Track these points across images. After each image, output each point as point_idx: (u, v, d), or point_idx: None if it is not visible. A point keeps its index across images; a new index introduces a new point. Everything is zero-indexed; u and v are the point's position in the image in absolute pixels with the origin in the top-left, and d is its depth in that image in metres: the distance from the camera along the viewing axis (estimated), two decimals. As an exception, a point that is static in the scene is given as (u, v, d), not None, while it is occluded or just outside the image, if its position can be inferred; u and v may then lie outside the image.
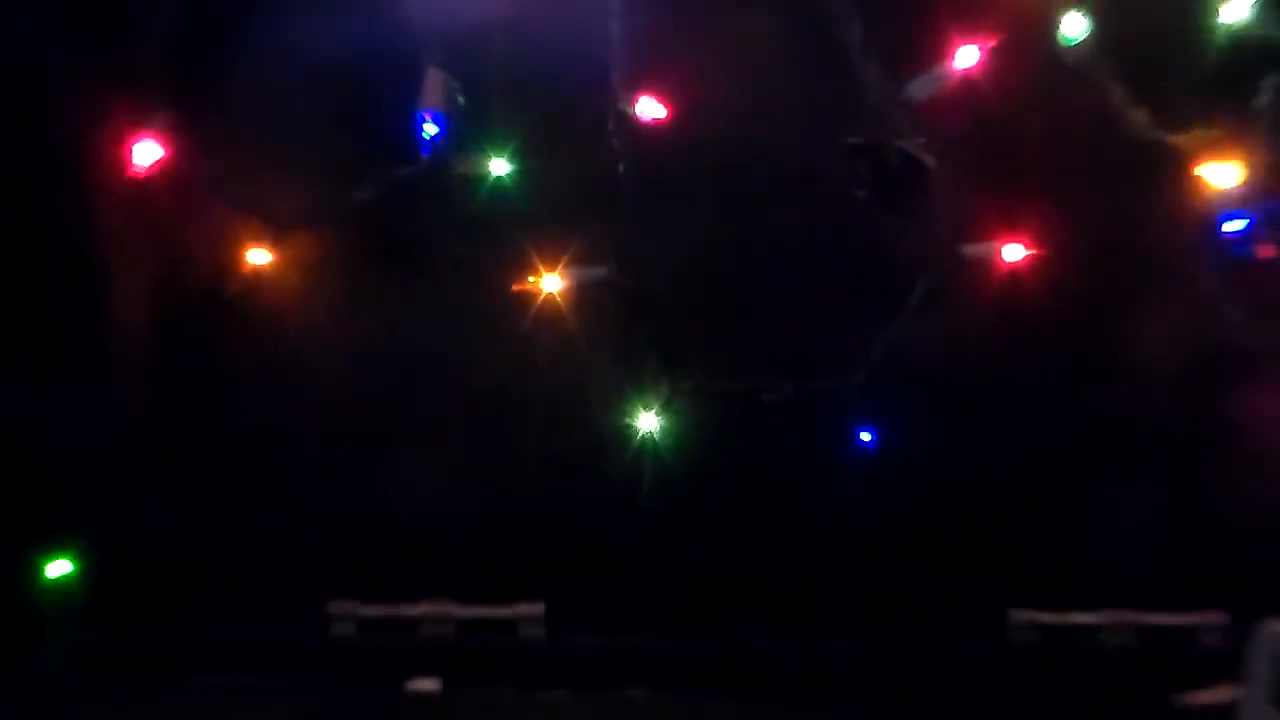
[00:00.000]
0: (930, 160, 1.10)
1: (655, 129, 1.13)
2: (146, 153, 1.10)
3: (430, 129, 1.11)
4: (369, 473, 1.16)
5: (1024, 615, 1.13)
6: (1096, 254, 1.13)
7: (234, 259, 1.13)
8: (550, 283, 1.11)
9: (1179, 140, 1.09)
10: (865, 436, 1.14)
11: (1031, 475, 1.16)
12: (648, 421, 1.13)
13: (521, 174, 1.13)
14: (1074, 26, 1.08)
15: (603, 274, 1.12)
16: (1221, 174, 1.07)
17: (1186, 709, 1.00)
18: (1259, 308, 1.11)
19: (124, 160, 1.10)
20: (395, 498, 1.16)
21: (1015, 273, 1.10)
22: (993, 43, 1.09)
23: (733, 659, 1.09)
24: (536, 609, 1.13)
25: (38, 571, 1.14)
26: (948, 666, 1.10)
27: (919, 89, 1.10)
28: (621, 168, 1.13)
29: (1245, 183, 1.08)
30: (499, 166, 1.12)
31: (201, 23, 1.15)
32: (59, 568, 1.14)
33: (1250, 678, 0.89)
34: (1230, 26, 1.08)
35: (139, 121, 1.11)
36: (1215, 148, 1.09)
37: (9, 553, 1.12)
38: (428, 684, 1.06)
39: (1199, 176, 1.08)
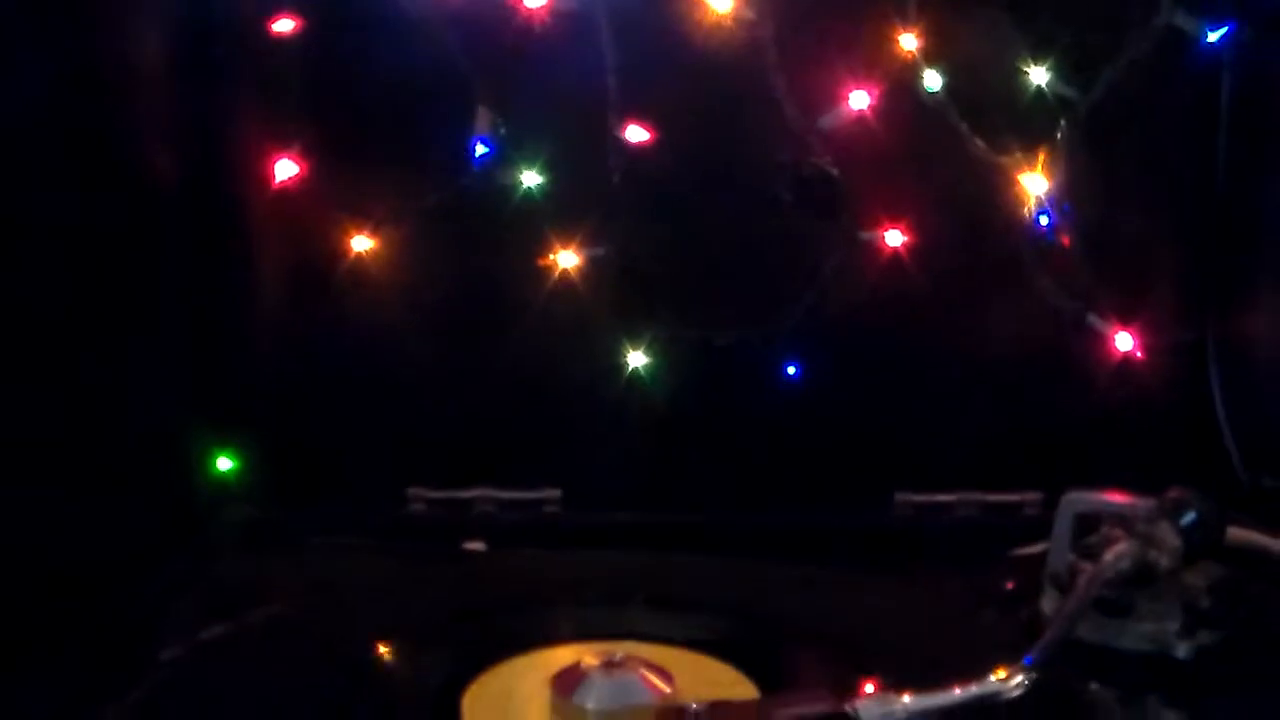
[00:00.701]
0: (835, 172, 1.41)
1: (642, 147, 1.43)
2: (285, 169, 1.41)
3: (481, 149, 1.42)
4: (437, 394, 1.46)
5: (904, 495, 1.44)
6: (954, 239, 1.45)
7: (344, 247, 1.44)
8: (565, 259, 1.41)
9: (1006, 160, 1.42)
10: (791, 370, 1.45)
11: (912, 396, 1.46)
12: (636, 358, 1.44)
13: (546, 183, 1.44)
14: (933, 80, 1.40)
15: (603, 252, 1.42)
16: (1035, 183, 1.40)
17: (1014, 558, 1.18)
18: (1060, 275, 1.45)
19: (269, 175, 1.41)
20: (453, 415, 1.46)
21: (897, 253, 1.43)
22: (877, 90, 1.39)
23: (704, 528, 1.37)
24: (555, 493, 1.41)
25: (209, 466, 1.43)
26: (849, 532, 1.38)
27: (827, 122, 1.41)
28: (616, 178, 1.43)
29: (1049, 190, 1.42)
30: (530, 178, 1.43)
31: (318, 65, 1.44)
32: (224, 463, 1.43)
33: (1055, 532, 1.04)
34: (1038, 84, 1.43)
35: (280, 145, 1.41)
36: (1030, 165, 1.42)
37: (188, 454, 1.43)
38: (476, 544, 1.30)
39: (1021, 184, 1.41)
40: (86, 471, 1.25)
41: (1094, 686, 0.85)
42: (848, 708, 0.70)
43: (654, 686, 0.78)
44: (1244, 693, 0.90)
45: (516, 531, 1.42)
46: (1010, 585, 1.05)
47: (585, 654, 0.81)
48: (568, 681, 0.79)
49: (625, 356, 1.50)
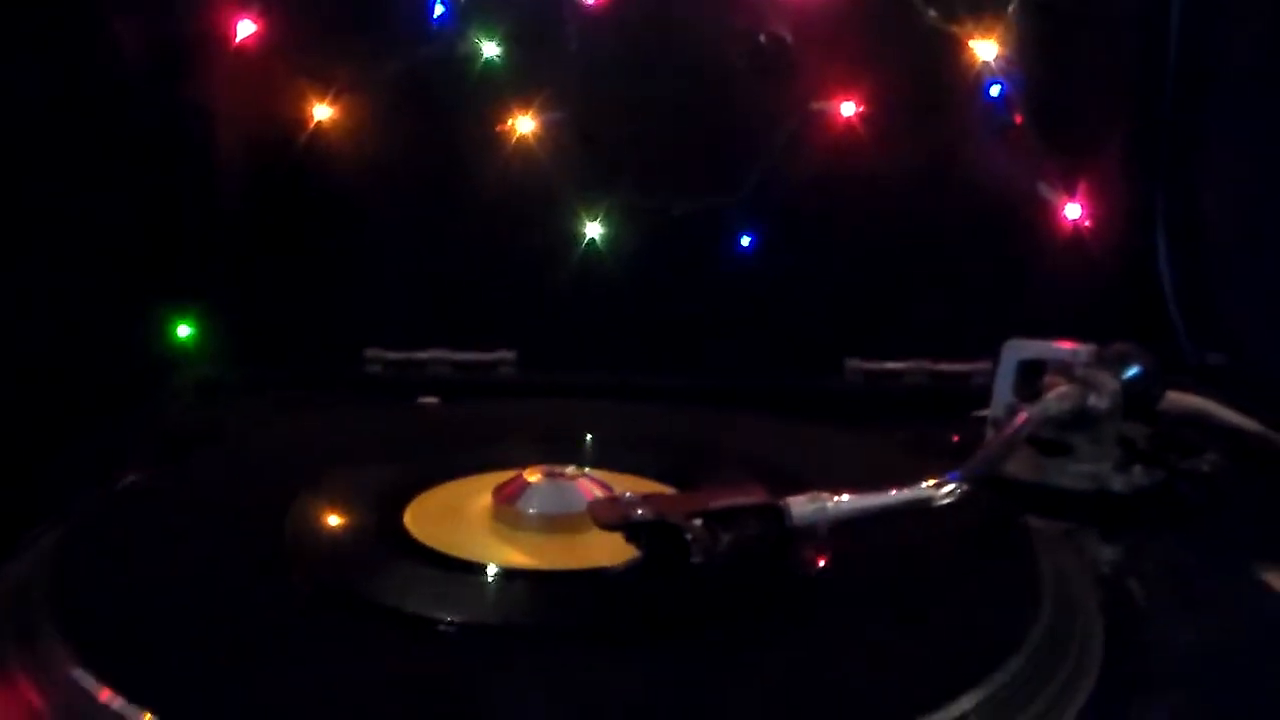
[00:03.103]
0: (789, 39, 1.42)
1: (598, 14, 1.45)
2: (244, 28, 1.41)
3: (439, 9, 1.44)
4: (395, 259, 1.48)
5: (854, 363, 1.44)
6: (906, 110, 1.46)
7: (305, 113, 1.45)
8: (523, 124, 1.42)
9: (957, 29, 1.43)
10: (745, 240, 1.47)
11: (864, 266, 1.48)
12: (593, 228, 1.46)
13: (505, 52, 1.45)
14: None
15: (561, 117, 1.43)
16: (985, 49, 1.40)
17: (967, 419, 1.14)
18: (1010, 144, 1.47)
19: (229, 34, 1.42)
20: (411, 278, 1.48)
21: (850, 123, 1.44)
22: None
23: (656, 390, 1.35)
24: (510, 355, 1.42)
25: (169, 332, 1.46)
26: (798, 394, 1.40)
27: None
28: (574, 45, 1.45)
29: (1000, 59, 1.43)
30: (489, 48, 1.44)
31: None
32: (183, 330, 1.45)
33: (997, 379, 1.04)
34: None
35: (240, 4, 1.43)
36: (981, 33, 1.43)
37: (149, 318, 1.44)
38: (430, 399, 1.29)
39: (971, 53, 1.41)
40: (40, 339, 1.26)
41: (1034, 521, 0.84)
42: (779, 503, 0.71)
43: (594, 494, 0.79)
44: (1178, 528, 0.91)
45: (471, 391, 1.43)
46: (956, 439, 1.06)
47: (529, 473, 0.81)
48: (510, 491, 0.80)
49: (583, 224, 1.52)
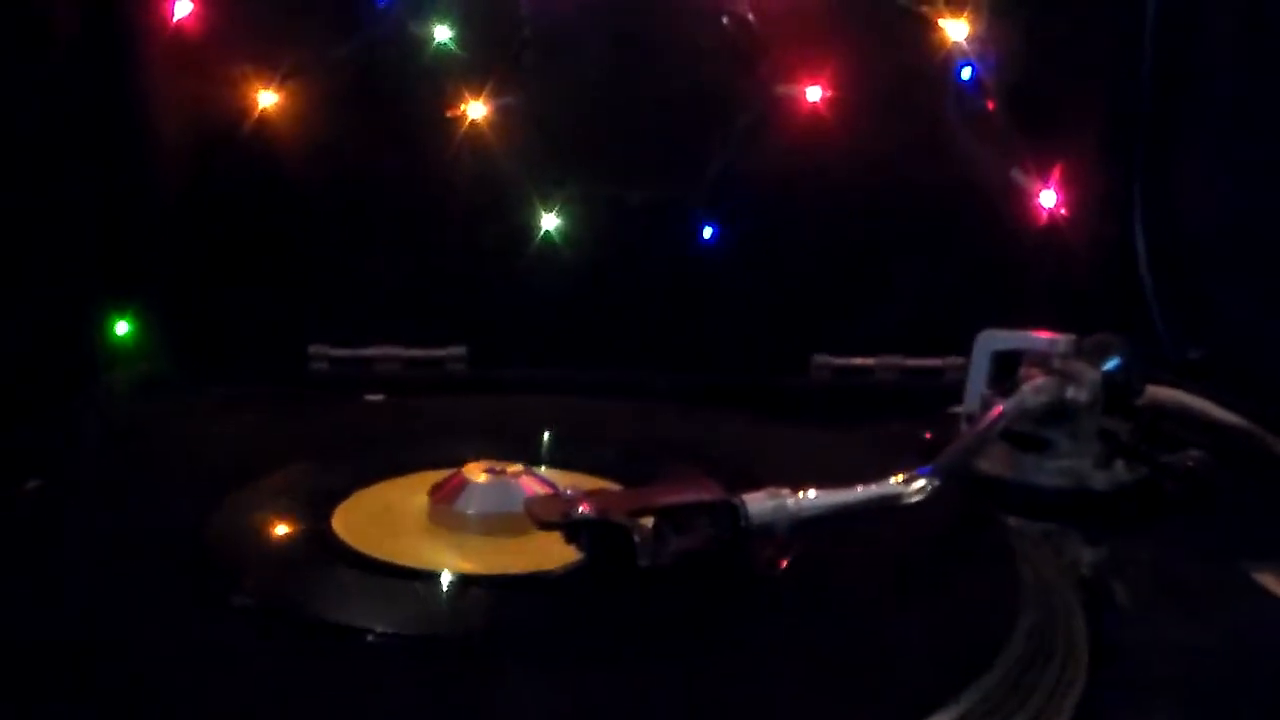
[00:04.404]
0: (752, 19, 1.38)
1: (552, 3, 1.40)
2: (181, 8, 1.36)
3: None
4: (341, 252, 1.43)
5: (821, 359, 1.40)
6: (875, 95, 1.41)
7: (248, 101, 1.40)
8: (474, 109, 1.37)
9: (928, 10, 1.38)
10: (706, 232, 1.41)
11: (832, 258, 1.43)
12: (549, 220, 1.40)
13: (456, 35, 1.40)
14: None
15: (512, 102, 1.38)
16: (956, 29, 1.36)
17: (940, 416, 1.12)
18: (983, 130, 1.42)
19: (166, 14, 1.37)
20: (358, 272, 1.43)
21: (816, 108, 1.39)
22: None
23: (613, 387, 1.31)
24: (460, 350, 1.38)
25: (108, 330, 1.41)
26: (769, 393, 1.37)
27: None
28: (527, 30, 1.40)
29: (972, 41, 1.37)
30: (441, 32, 1.39)
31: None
32: (122, 326, 1.40)
33: (971, 371, 1.02)
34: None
35: None
36: (953, 14, 1.38)
37: (86, 315, 1.39)
38: (376, 397, 1.25)
39: (943, 35, 1.37)
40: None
41: (1010, 521, 0.82)
42: (734, 500, 0.65)
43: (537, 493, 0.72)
44: (1162, 526, 0.89)
45: (421, 389, 1.40)
46: (929, 436, 1.02)
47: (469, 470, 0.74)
48: (448, 490, 0.74)
49: (538, 215, 1.46)
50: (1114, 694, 0.64)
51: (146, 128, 1.46)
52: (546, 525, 0.66)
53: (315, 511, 0.76)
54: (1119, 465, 0.91)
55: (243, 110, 1.44)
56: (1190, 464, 0.94)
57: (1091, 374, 0.90)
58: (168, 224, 1.46)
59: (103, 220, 1.43)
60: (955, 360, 1.35)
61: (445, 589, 0.68)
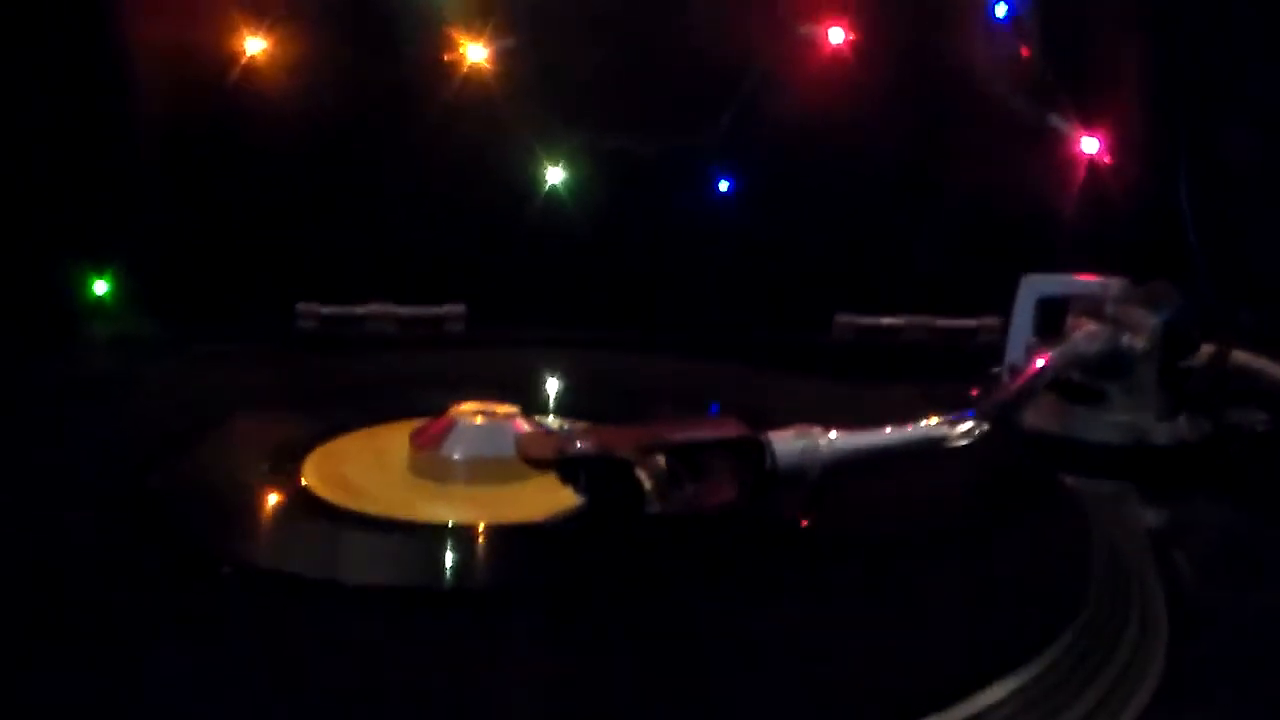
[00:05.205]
0: None
1: None
2: None
3: None
4: (333, 206, 1.34)
5: (845, 318, 1.31)
6: (902, 35, 1.33)
7: (236, 47, 1.32)
8: (474, 52, 1.30)
9: None
10: (723, 185, 1.34)
11: (857, 211, 1.35)
12: (554, 173, 1.33)
13: None
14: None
15: (514, 45, 1.30)
16: None
17: (985, 375, 1.02)
18: (1019, 71, 1.34)
19: None
20: (350, 228, 1.35)
21: (839, 50, 1.31)
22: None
23: (625, 345, 1.21)
24: (459, 309, 1.30)
25: (87, 289, 1.34)
26: (787, 352, 1.26)
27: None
28: None
29: None
30: None
31: None
32: (101, 286, 1.34)
33: (1014, 319, 0.96)
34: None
35: None
36: None
37: (63, 272, 1.33)
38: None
39: None
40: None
41: (1064, 480, 0.74)
42: (760, 438, 0.55)
43: (530, 432, 0.63)
44: (1232, 486, 0.82)
45: (417, 348, 1.31)
46: (975, 393, 0.93)
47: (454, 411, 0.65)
48: (433, 435, 0.64)
49: (542, 167, 1.38)
50: (1194, 665, 0.57)
51: (126, 77, 1.36)
52: (538, 463, 0.56)
53: (281, 462, 0.66)
54: (1182, 420, 0.85)
55: (229, 56, 1.36)
56: (1260, 428, 0.89)
57: (1150, 319, 0.84)
58: (148, 177, 1.37)
59: (79, 174, 1.34)
60: (990, 320, 1.29)
61: (418, 540, 0.58)
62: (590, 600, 0.54)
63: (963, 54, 1.35)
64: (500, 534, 0.60)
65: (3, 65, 1.24)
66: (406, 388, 0.93)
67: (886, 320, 1.34)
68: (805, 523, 0.62)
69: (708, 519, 0.58)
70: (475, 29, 1.34)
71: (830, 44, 1.32)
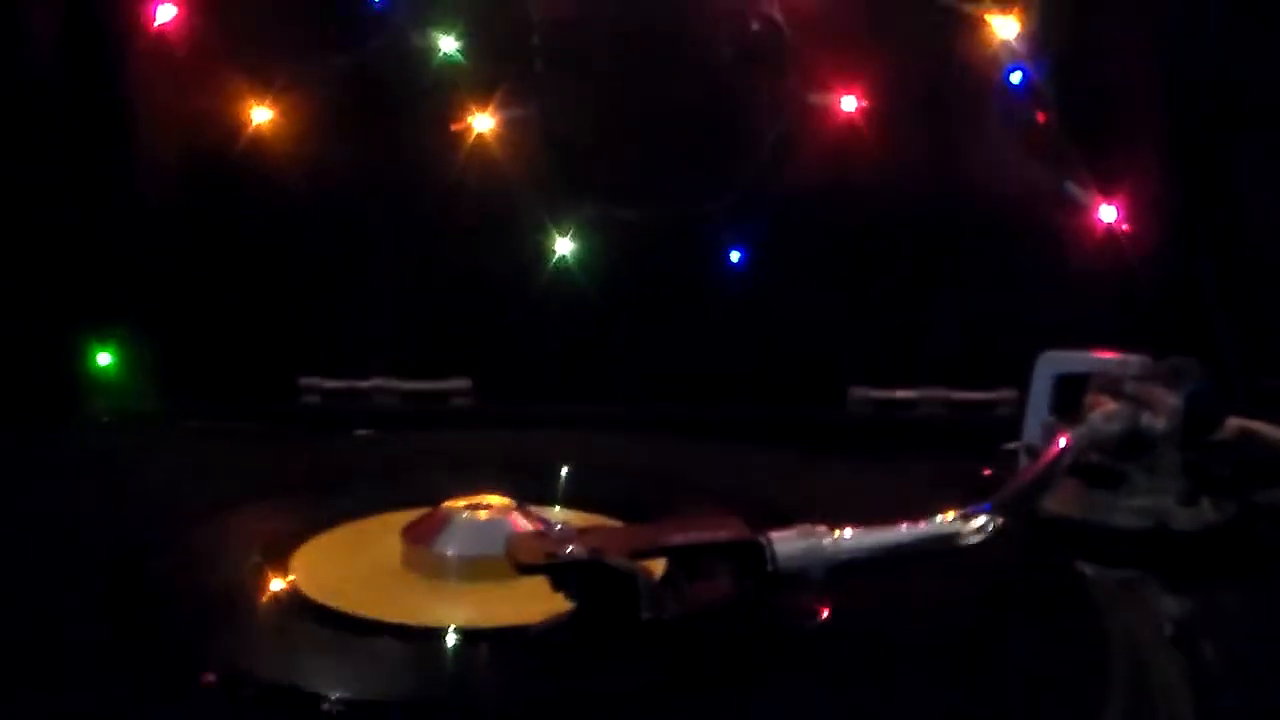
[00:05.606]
0: (781, 21, 1.26)
1: (564, 6, 1.31)
2: (164, 12, 1.27)
3: None
4: (338, 278, 1.33)
5: (860, 391, 1.29)
6: (916, 103, 1.31)
7: (241, 117, 1.31)
8: (481, 122, 1.28)
9: (975, 10, 1.28)
10: (734, 255, 1.31)
11: (870, 281, 1.32)
12: (563, 243, 1.30)
13: (462, 45, 1.30)
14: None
15: (523, 115, 1.28)
16: (1004, 25, 1.26)
17: (996, 453, 1.01)
18: (1035, 140, 1.31)
19: (148, 18, 1.28)
20: (354, 300, 1.33)
21: (852, 118, 1.29)
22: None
23: (634, 421, 1.25)
24: (464, 384, 1.28)
25: (89, 360, 1.32)
26: (801, 427, 1.26)
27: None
28: (536, 39, 1.30)
29: (1023, 42, 1.26)
30: (446, 43, 1.30)
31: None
32: (104, 357, 1.32)
33: (1031, 397, 0.93)
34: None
35: None
36: (1003, 13, 1.27)
37: (66, 343, 1.31)
38: (367, 433, 1.18)
39: (991, 37, 1.26)
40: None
41: (1083, 568, 0.72)
42: (760, 539, 0.52)
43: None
44: (1256, 572, 0.80)
45: (421, 424, 1.30)
46: (987, 472, 0.92)
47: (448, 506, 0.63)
48: (424, 529, 0.62)
49: (551, 237, 1.35)
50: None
51: (132, 146, 1.36)
52: (529, 568, 0.53)
53: (270, 557, 0.63)
54: (1205, 503, 0.81)
55: (235, 127, 1.34)
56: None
57: (1171, 399, 0.81)
58: (153, 248, 1.36)
59: (84, 244, 1.34)
60: (1007, 393, 1.26)
61: (405, 646, 0.55)
62: (571, 709, 0.52)
63: (978, 122, 1.33)
64: (486, 641, 0.58)
65: (7, 134, 1.22)
66: (406, 474, 0.90)
67: (901, 393, 1.31)
68: (806, 621, 0.59)
69: (705, 624, 0.55)
70: (482, 98, 1.32)
71: (843, 112, 1.30)
